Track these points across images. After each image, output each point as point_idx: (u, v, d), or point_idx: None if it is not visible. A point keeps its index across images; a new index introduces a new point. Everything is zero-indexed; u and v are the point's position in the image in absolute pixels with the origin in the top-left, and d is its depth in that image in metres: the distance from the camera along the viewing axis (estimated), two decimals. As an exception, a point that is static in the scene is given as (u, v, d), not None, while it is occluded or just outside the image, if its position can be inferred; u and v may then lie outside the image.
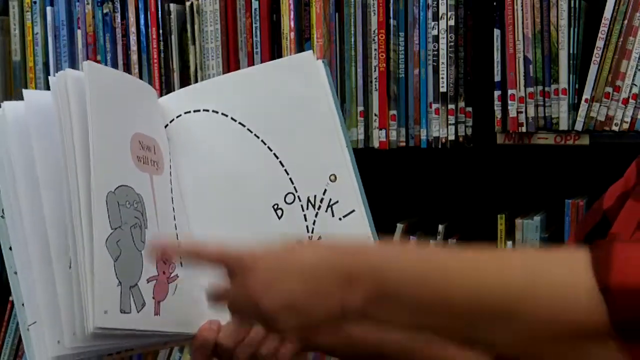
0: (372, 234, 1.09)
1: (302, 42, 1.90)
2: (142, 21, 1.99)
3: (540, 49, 1.77)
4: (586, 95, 1.75)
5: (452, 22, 1.82)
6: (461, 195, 2.03)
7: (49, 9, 2.04)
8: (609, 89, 1.74)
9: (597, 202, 1.04)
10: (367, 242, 1.01)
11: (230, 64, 1.94)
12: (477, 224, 1.94)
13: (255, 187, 1.10)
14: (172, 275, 1.04)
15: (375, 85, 1.86)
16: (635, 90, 1.73)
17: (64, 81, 0.98)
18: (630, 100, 1.73)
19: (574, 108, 1.77)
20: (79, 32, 2.03)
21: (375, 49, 1.86)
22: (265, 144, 1.11)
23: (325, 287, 0.82)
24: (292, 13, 1.90)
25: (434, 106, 1.84)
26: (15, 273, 1.02)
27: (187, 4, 1.97)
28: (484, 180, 2.01)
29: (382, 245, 0.84)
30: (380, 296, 0.81)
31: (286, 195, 1.10)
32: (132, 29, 1.99)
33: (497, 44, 1.79)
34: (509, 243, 1.82)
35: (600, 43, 1.74)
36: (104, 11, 2.01)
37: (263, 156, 1.11)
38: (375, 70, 1.86)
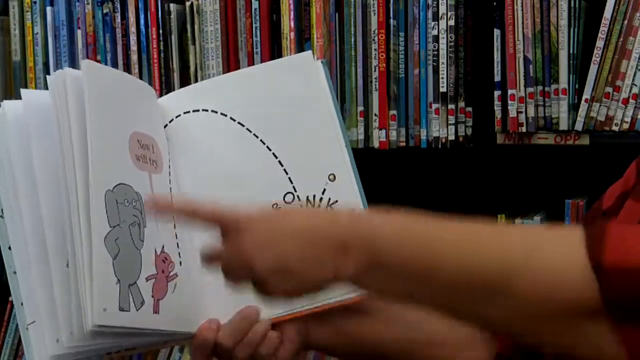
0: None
1: (302, 42, 1.90)
2: (142, 21, 1.99)
3: (540, 49, 1.77)
4: (586, 95, 1.75)
5: (452, 22, 1.81)
6: (461, 195, 2.03)
7: (49, 9, 2.04)
8: (609, 89, 1.74)
9: (597, 202, 1.04)
10: (364, 211, 1.01)
11: (230, 64, 1.94)
12: (477, 224, 1.94)
13: (254, 186, 1.10)
14: (171, 273, 1.04)
15: (375, 85, 1.86)
16: (635, 90, 1.73)
17: (63, 80, 0.98)
18: (630, 100, 1.73)
19: (574, 108, 1.77)
20: (79, 32, 2.03)
21: (375, 49, 1.86)
22: (264, 143, 1.11)
23: (319, 253, 0.82)
24: (292, 13, 1.89)
25: (434, 106, 1.83)
26: (15, 273, 1.02)
27: (187, 4, 1.97)
28: (484, 180, 2.01)
29: (379, 215, 0.84)
30: (374, 266, 0.81)
31: (285, 195, 1.10)
32: (132, 29, 1.99)
33: (497, 44, 1.79)
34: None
35: (600, 43, 1.74)
36: (104, 11, 2.01)
37: (262, 156, 1.11)
38: (375, 70, 1.86)
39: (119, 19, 2.00)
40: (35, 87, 2.04)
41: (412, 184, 2.07)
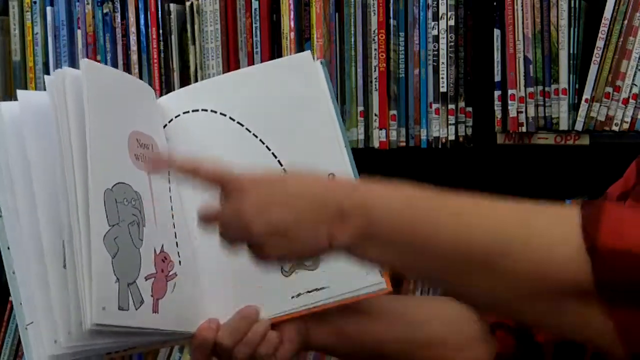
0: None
1: (302, 42, 1.90)
2: (142, 21, 1.99)
3: (540, 49, 1.77)
4: (586, 95, 1.75)
5: (452, 22, 1.81)
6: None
7: (49, 9, 2.04)
8: (609, 89, 1.74)
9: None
10: (364, 181, 1.01)
11: (230, 64, 1.94)
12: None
13: (254, 186, 1.10)
14: (170, 273, 1.04)
15: (375, 85, 1.86)
16: (635, 90, 1.73)
17: (62, 79, 0.99)
18: (630, 100, 1.73)
19: (574, 108, 1.77)
20: (79, 32, 2.02)
21: (375, 49, 1.86)
22: (263, 143, 1.11)
23: (317, 219, 0.82)
24: (292, 13, 1.89)
25: (434, 106, 1.83)
26: (14, 272, 1.02)
27: (187, 4, 1.97)
28: (484, 180, 2.01)
29: (378, 185, 0.84)
30: (369, 235, 0.81)
31: (285, 195, 1.09)
32: (132, 29, 1.99)
33: (497, 44, 1.79)
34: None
35: (600, 43, 1.74)
36: (104, 11, 2.01)
37: (262, 155, 1.11)
38: (375, 70, 1.86)
39: (119, 19, 2.00)
40: (35, 87, 2.03)
41: (412, 184, 2.07)
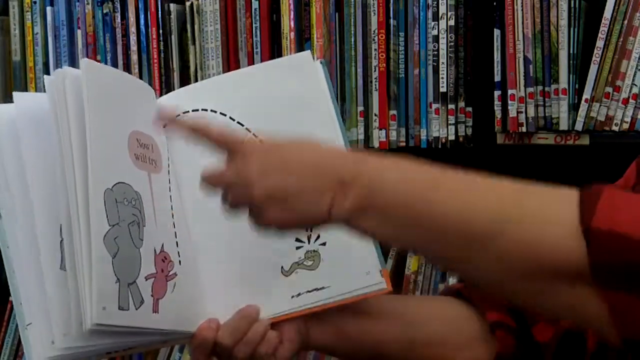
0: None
1: (302, 42, 1.90)
2: (142, 21, 1.99)
3: (540, 49, 1.77)
4: (586, 95, 1.75)
5: (452, 22, 1.81)
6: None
7: (49, 9, 2.04)
8: (609, 89, 1.74)
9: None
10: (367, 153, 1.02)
11: (230, 64, 1.94)
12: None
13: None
14: (170, 273, 1.03)
15: (375, 85, 1.86)
16: (635, 90, 1.73)
17: (62, 79, 0.99)
18: (630, 100, 1.73)
19: (574, 108, 1.77)
20: (79, 32, 2.03)
21: (375, 49, 1.86)
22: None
23: (318, 186, 0.83)
24: (292, 13, 1.89)
25: (434, 106, 1.83)
26: (14, 272, 1.02)
27: (187, 4, 1.97)
28: (484, 180, 2.01)
29: (381, 158, 0.85)
30: (368, 206, 0.82)
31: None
32: (132, 29, 1.99)
33: (497, 44, 1.79)
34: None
35: (600, 43, 1.74)
36: (104, 11, 2.01)
37: (262, 155, 1.10)
38: (375, 70, 1.86)
39: (119, 19, 2.00)
40: (36, 87, 2.03)
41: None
